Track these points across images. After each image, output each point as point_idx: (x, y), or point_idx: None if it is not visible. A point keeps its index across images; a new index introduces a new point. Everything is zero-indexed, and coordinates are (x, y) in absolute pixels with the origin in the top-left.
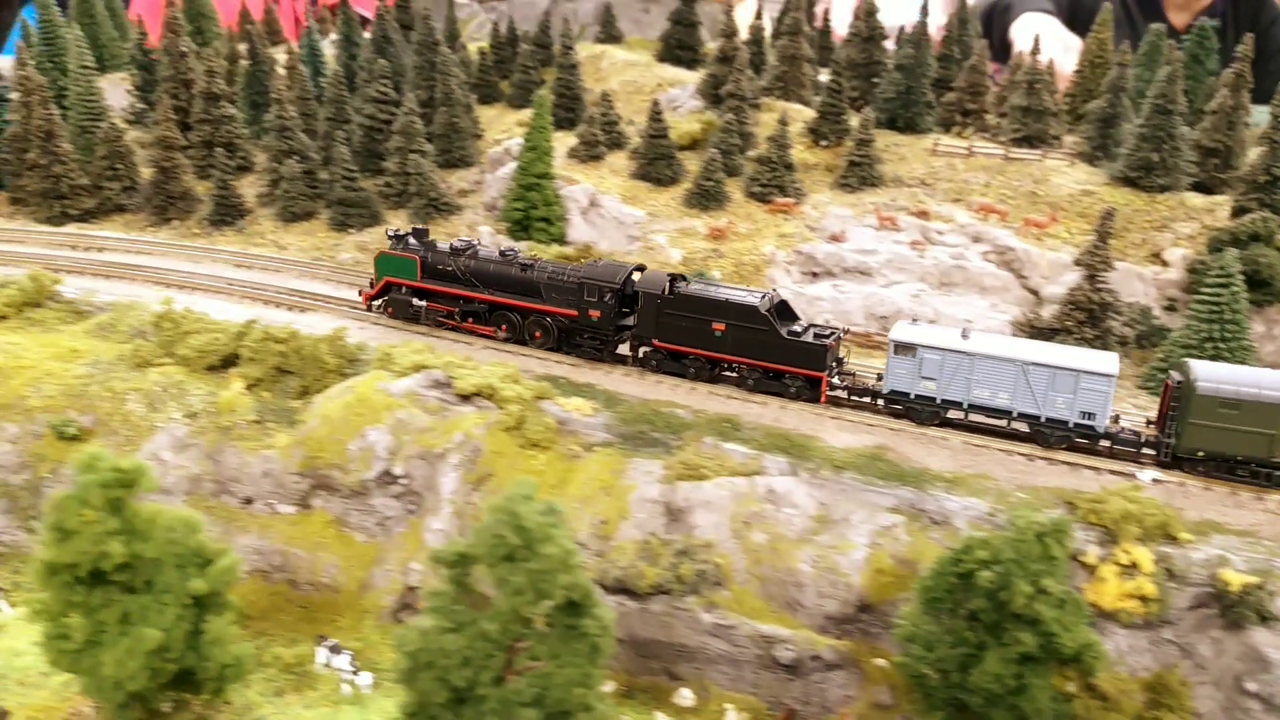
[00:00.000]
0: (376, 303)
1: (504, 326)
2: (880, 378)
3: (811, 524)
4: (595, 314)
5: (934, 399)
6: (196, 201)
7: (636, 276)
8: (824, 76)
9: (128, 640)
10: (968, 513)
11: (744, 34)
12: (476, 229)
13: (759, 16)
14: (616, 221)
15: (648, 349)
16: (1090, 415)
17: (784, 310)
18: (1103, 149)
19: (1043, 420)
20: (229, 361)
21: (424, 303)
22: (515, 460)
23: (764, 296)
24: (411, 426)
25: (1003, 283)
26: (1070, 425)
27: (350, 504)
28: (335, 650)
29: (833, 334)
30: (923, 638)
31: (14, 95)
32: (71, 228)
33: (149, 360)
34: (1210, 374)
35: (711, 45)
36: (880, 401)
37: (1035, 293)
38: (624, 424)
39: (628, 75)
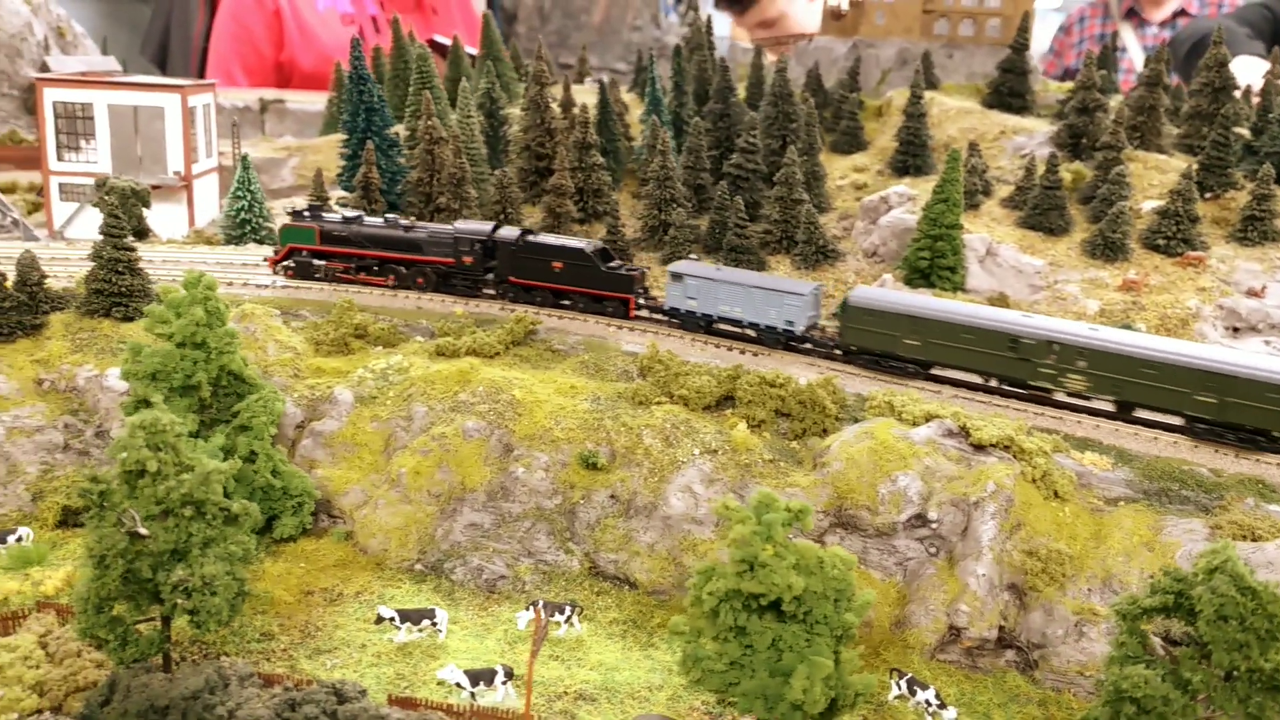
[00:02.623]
0: (279, 266)
1: (392, 277)
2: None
3: None
4: (469, 260)
5: (695, 313)
6: None
7: (499, 231)
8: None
9: (804, 667)
10: None
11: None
12: (880, 279)
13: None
14: (1015, 270)
15: (505, 285)
16: (791, 323)
17: (604, 254)
18: None
19: (762, 327)
20: (721, 402)
21: (324, 263)
22: (1042, 511)
23: (588, 243)
24: (939, 474)
25: None
26: (779, 330)
27: (872, 543)
28: (912, 684)
29: (638, 270)
30: None
31: (402, 139)
32: None
33: (649, 399)
34: (858, 293)
35: (1048, 88)
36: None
37: None
38: (1147, 480)
39: (964, 122)
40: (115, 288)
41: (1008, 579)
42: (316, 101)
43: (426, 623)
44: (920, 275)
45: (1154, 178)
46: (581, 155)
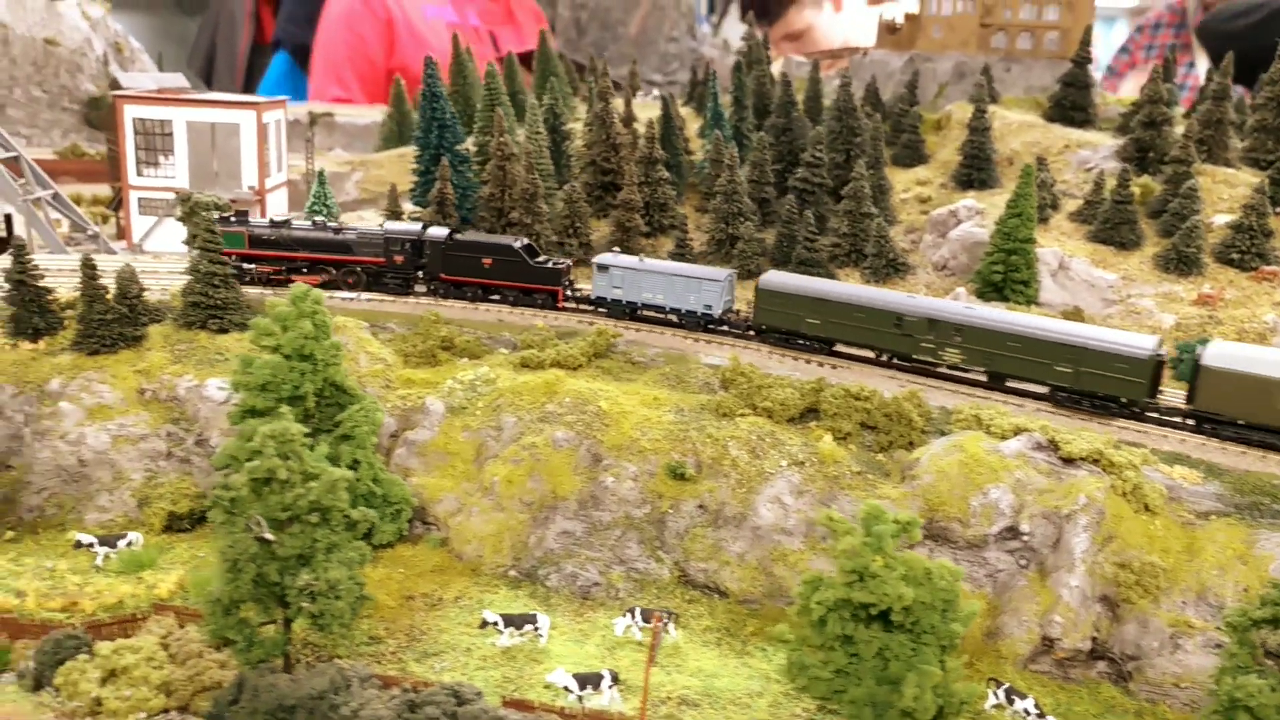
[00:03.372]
0: None
1: (320, 277)
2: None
3: None
4: (400, 259)
5: (621, 300)
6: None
7: (428, 232)
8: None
9: (915, 675)
10: None
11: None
12: (954, 293)
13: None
14: (1087, 284)
15: (436, 282)
16: (709, 307)
17: (531, 250)
18: None
19: (683, 311)
20: (805, 415)
21: (254, 266)
22: (1134, 524)
23: (516, 239)
24: (1030, 487)
25: None
26: (699, 314)
27: (962, 555)
28: (1010, 693)
29: (564, 263)
30: None
31: (470, 155)
32: None
33: (732, 411)
34: (768, 278)
35: (1107, 101)
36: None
37: None
38: (1238, 494)
39: (1027, 136)
40: (212, 300)
41: (1100, 591)
42: (365, 115)
43: (529, 627)
44: (993, 289)
45: (1223, 191)
46: (648, 170)
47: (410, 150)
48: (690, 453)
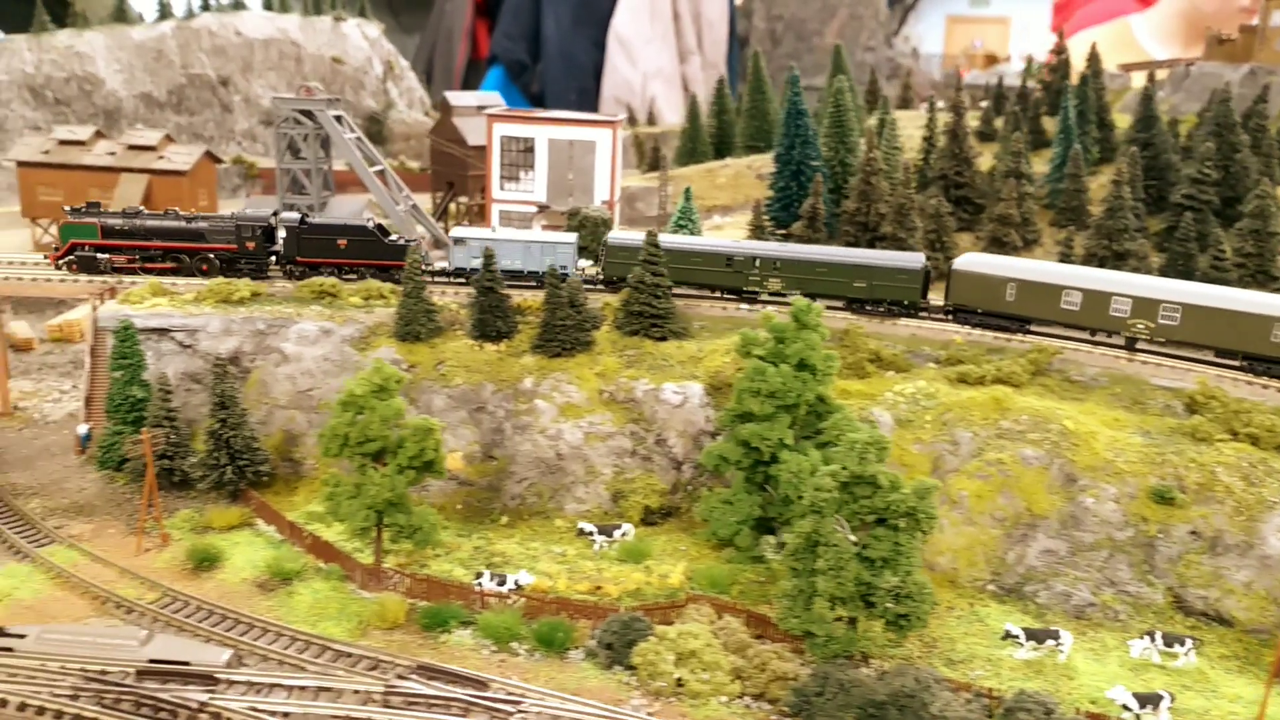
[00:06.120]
0: (62, 262)
1: (176, 265)
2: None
3: None
4: (251, 245)
5: (480, 270)
6: None
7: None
8: None
9: None
10: None
11: None
12: None
13: None
14: None
15: (291, 265)
16: (564, 267)
17: (383, 230)
18: None
19: (541, 274)
20: None
21: (107, 256)
22: None
23: (369, 220)
24: None
25: None
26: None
27: None
28: None
29: (416, 240)
30: None
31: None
32: None
33: (1209, 435)
34: (614, 235)
35: None
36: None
37: None
38: None
39: None
40: (655, 310)
41: None
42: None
43: (1050, 642)
44: None
45: None
46: (1013, 184)
47: (715, 164)
48: (1171, 477)
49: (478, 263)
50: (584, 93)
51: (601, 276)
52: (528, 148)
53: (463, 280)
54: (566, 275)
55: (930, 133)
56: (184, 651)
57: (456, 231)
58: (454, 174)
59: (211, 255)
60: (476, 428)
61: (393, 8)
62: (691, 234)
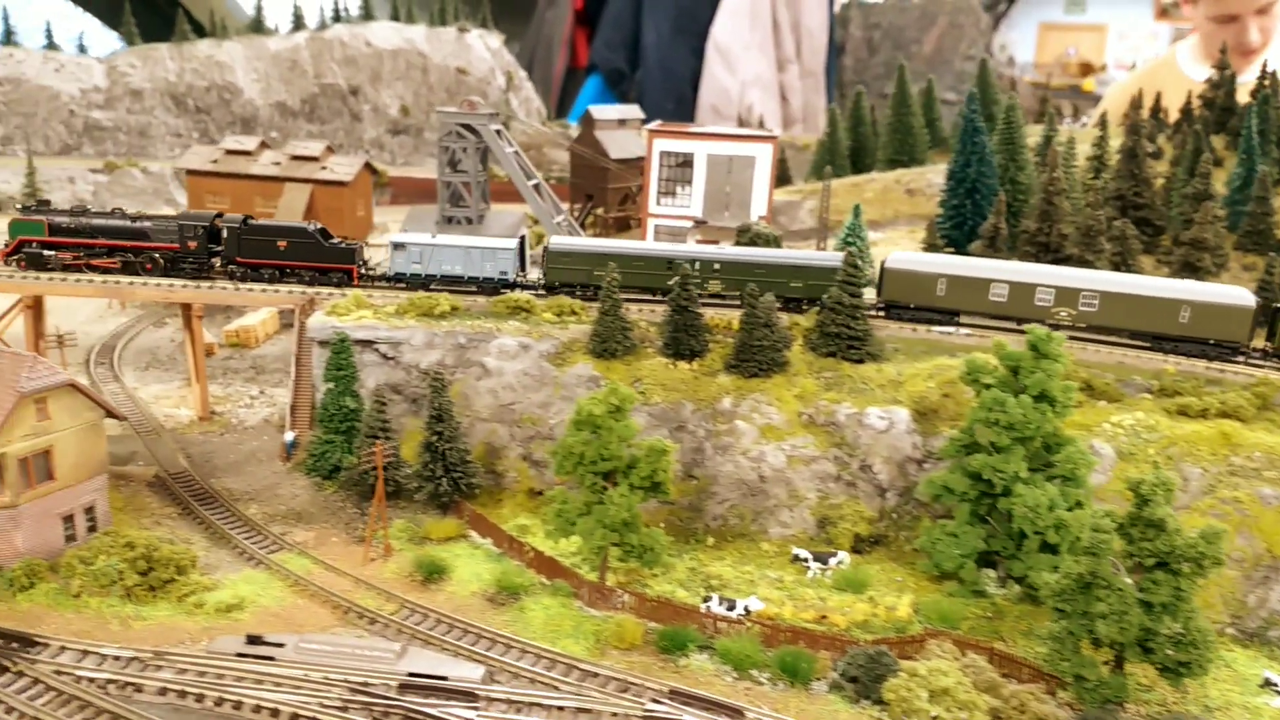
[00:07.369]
0: (11, 259)
1: (121, 262)
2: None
3: None
4: (193, 244)
5: (420, 274)
6: None
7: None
8: None
9: None
10: None
11: None
12: None
13: None
14: None
15: (233, 265)
16: (504, 273)
17: (325, 233)
18: None
19: (481, 279)
20: None
21: (54, 253)
22: None
23: (311, 224)
24: None
25: None
26: (495, 279)
27: None
28: None
29: (357, 244)
30: None
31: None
32: None
33: None
34: (555, 241)
35: None
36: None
37: None
38: None
39: None
40: (852, 332)
41: None
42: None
43: None
44: None
45: None
46: (1207, 208)
47: (860, 178)
48: None
49: (418, 268)
50: (681, 101)
51: (543, 281)
52: (685, 162)
53: (403, 285)
54: (507, 281)
55: (1101, 151)
56: (439, 666)
57: (395, 237)
58: (594, 186)
59: (156, 254)
60: (677, 446)
61: (493, 16)
62: (859, 252)
